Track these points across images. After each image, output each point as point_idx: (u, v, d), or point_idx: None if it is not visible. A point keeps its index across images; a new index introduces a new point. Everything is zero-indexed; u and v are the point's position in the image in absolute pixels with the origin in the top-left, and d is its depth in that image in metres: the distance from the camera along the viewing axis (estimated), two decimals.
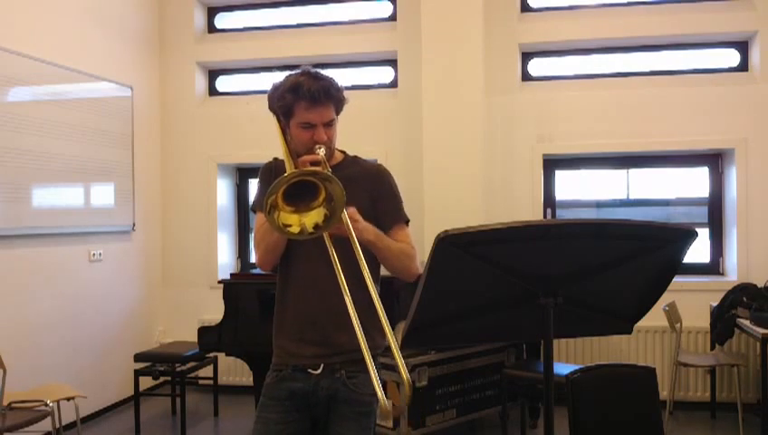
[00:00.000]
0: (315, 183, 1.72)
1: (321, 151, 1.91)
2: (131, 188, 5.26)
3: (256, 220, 2.05)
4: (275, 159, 2.13)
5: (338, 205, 1.72)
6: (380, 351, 2.01)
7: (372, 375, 1.68)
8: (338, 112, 1.99)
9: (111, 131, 5.02)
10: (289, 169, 1.84)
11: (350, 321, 1.75)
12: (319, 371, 1.97)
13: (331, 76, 1.98)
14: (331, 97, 1.94)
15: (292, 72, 1.98)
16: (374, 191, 2.06)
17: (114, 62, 5.13)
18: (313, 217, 1.75)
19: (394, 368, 3.09)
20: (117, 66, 5.15)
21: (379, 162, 5.40)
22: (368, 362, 1.69)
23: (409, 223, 2.14)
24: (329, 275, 1.82)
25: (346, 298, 1.74)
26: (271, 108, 2.02)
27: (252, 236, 2.09)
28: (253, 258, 5.85)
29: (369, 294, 1.77)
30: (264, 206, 1.68)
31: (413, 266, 2.03)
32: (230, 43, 5.74)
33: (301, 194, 1.72)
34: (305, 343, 1.98)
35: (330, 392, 1.97)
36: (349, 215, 1.83)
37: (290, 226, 1.74)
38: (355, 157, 2.13)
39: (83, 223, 4.76)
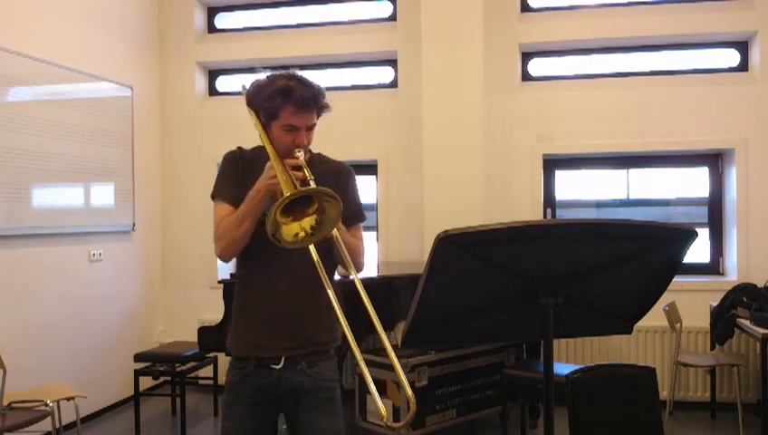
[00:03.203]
0: (311, 196, 1.77)
1: (301, 155, 1.96)
2: (131, 188, 5.26)
3: (217, 210, 2.07)
4: (240, 148, 2.17)
5: (329, 219, 1.78)
6: (337, 344, 2.11)
7: (373, 393, 1.78)
8: (318, 118, 2.07)
9: (111, 131, 5.02)
10: (282, 176, 1.85)
11: (315, 316, 2.01)
12: (280, 365, 2.02)
13: (318, 83, 2.04)
14: (318, 104, 2.02)
15: (276, 74, 2.03)
16: (344, 189, 2.09)
17: (114, 62, 5.13)
18: (309, 221, 1.79)
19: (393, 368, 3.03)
20: (117, 66, 5.15)
21: (378, 162, 5.42)
22: (358, 358, 1.79)
23: (364, 221, 2.25)
24: (296, 271, 1.97)
25: (329, 292, 1.86)
26: (253, 106, 2.05)
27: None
28: None
29: (327, 296, 1.91)
30: (268, 229, 1.72)
31: (362, 260, 2.16)
32: (230, 43, 5.74)
33: (295, 203, 1.76)
34: (274, 335, 2.02)
35: (294, 384, 2.03)
36: None
37: (297, 233, 1.78)
38: (320, 154, 2.18)
39: (83, 223, 4.76)
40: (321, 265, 1.91)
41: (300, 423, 2.04)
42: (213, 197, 2.12)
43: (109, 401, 5.00)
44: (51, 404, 3.60)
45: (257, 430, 2.06)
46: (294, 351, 2.02)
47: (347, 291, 2.05)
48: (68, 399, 3.79)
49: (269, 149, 1.96)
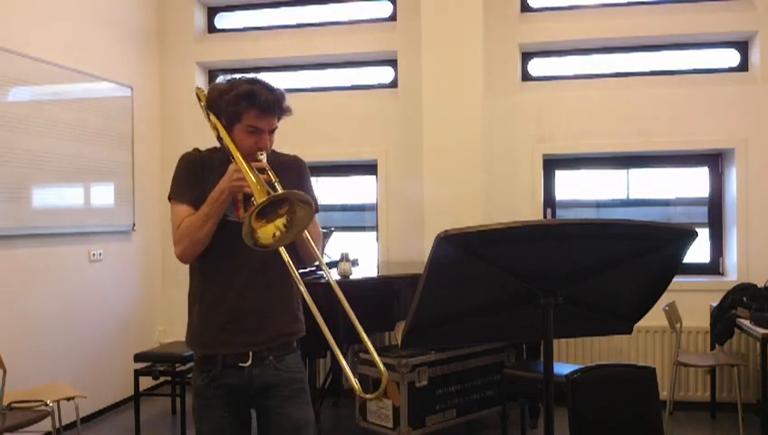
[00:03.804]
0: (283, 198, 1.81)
1: (263, 158, 2.00)
2: (131, 188, 5.26)
3: (176, 212, 2.08)
4: (197, 149, 2.20)
5: (300, 219, 1.82)
6: (301, 335, 2.18)
7: (345, 367, 1.95)
8: (278, 121, 2.10)
9: (111, 131, 5.02)
10: (250, 179, 1.88)
11: (278, 311, 2.08)
12: (249, 362, 2.05)
13: (280, 88, 2.08)
14: (281, 108, 2.06)
15: (237, 78, 2.06)
16: (298, 182, 2.12)
17: (114, 62, 5.13)
18: (280, 222, 1.83)
19: (394, 367, 3.15)
20: (117, 66, 5.15)
21: (378, 162, 5.42)
22: (336, 352, 1.91)
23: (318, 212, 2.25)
24: (256, 268, 2.02)
25: (302, 287, 1.96)
26: (214, 108, 2.07)
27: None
28: None
29: (292, 287, 2.08)
30: (246, 240, 1.75)
31: (319, 251, 2.18)
32: (230, 43, 5.74)
33: (267, 206, 1.79)
34: (239, 332, 2.04)
35: (263, 380, 2.07)
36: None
37: (275, 233, 1.82)
38: (273, 150, 2.17)
39: (83, 223, 4.76)
40: (276, 262, 1.95)
41: (273, 415, 2.08)
42: (170, 198, 2.12)
43: (109, 401, 5.00)
44: (51, 404, 3.59)
45: (234, 429, 2.09)
46: (261, 346, 2.06)
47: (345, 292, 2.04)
48: (68, 399, 3.79)
49: (234, 151, 1.98)
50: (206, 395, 2.08)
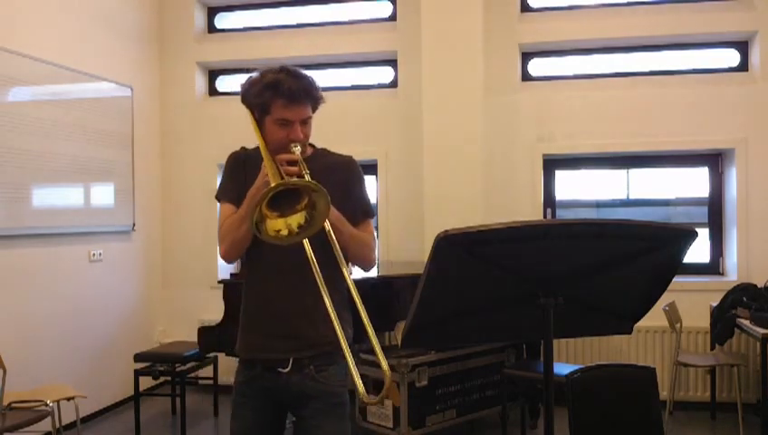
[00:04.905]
0: (298, 188, 1.74)
1: (297, 150, 1.91)
2: (131, 188, 5.26)
3: (222, 211, 2.04)
4: (244, 148, 2.15)
5: (320, 213, 1.73)
6: (350, 343, 2.03)
7: (351, 366, 1.80)
8: (314, 111, 2.02)
9: (111, 131, 5.02)
10: (270, 169, 1.83)
11: (320, 316, 1.89)
12: (288, 368, 1.98)
13: (310, 75, 2.00)
14: (310, 96, 1.97)
15: (270, 68, 1.99)
16: (347, 183, 2.06)
17: (114, 62, 5.13)
18: (297, 219, 1.75)
19: (394, 367, 3.11)
20: (117, 66, 5.15)
21: (378, 162, 5.42)
22: (345, 351, 1.80)
23: (373, 217, 2.18)
24: (299, 271, 1.88)
25: (323, 293, 1.81)
26: (246, 102, 2.02)
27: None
28: None
29: (338, 291, 1.90)
30: (251, 222, 1.69)
31: (372, 256, 2.10)
32: (230, 43, 5.74)
33: (283, 198, 1.72)
34: (276, 337, 1.99)
35: (300, 388, 2.00)
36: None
37: (279, 230, 1.74)
38: (324, 149, 2.13)
39: (83, 223, 4.76)
40: (320, 263, 1.86)
41: (307, 426, 2.02)
42: (217, 198, 2.09)
43: (109, 401, 5.00)
44: (51, 404, 3.60)
45: (262, 430, 2.06)
46: (302, 352, 1.98)
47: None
48: (68, 399, 3.80)
49: (260, 144, 1.94)
50: (244, 393, 2.05)
